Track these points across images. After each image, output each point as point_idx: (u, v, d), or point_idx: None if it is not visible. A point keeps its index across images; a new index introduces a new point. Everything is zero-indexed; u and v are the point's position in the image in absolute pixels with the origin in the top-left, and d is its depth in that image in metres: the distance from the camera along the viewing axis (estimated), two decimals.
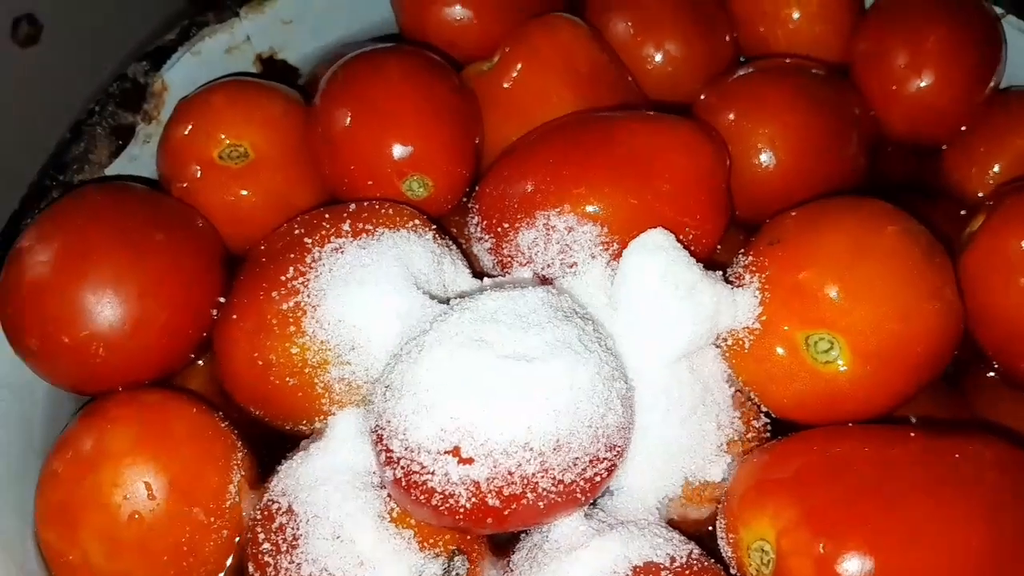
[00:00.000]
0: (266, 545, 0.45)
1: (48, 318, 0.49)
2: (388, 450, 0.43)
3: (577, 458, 0.42)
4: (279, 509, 0.46)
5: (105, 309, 0.49)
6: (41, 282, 0.49)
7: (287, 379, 0.49)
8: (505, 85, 0.60)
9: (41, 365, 0.51)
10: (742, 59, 0.68)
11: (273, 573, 0.44)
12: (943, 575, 0.41)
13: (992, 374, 0.55)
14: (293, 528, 0.45)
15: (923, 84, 0.61)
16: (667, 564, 0.43)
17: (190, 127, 0.57)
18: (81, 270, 0.49)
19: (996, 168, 0.62)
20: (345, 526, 0.45)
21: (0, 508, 0.51)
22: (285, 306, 0.49)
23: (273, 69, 0.68)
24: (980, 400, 0.55)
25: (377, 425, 0.44)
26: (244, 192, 0.57)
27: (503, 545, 0.48)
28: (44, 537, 0.48)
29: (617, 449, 0.44)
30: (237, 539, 0.49)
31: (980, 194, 0.62)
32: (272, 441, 0.52)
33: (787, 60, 0.64)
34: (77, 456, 0.48)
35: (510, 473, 0.41)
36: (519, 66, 0.60)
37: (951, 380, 0.53)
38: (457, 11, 0.65)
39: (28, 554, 0.50)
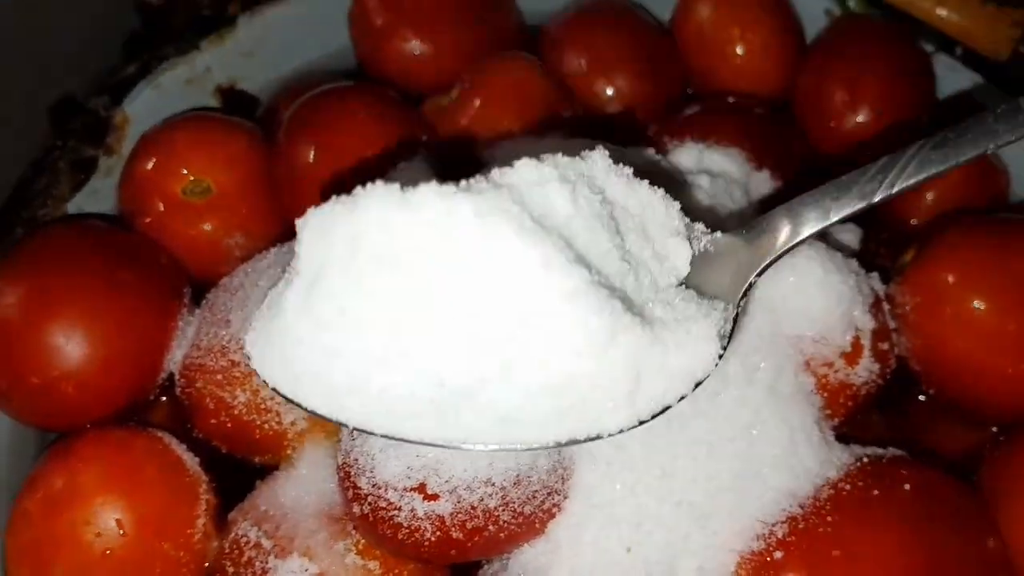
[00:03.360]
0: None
1: (17, 360, 0.50)
2: (355, 487, 0.45)
3: (536, 491, 0.45)
4: (247, 543, 0.48)
5: (75, 349, 0.50)
6: (9, 324, 0.50)
7: (249, 417, 0.51)
8: (463, 121, 0.62)
9: (9, 405, 0.52)
10: (689, 92, 0.71)
11: None
12: None
13: (922, 398, 0.58)
14: (262, 562, 0.47)
15: (860, 120, 0.65)
16: None
17: (153, 163, 0.58)
18: (50, 311, 0.50)
19: (929, 197, 0.65)
20: (312, 558, 0.47)
21: None
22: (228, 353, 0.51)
23: (233, 99, 0.69)
24: (914, 423, 0.58)
25: (344, 463, 0.46)
26: (207, 226, 0.58)
27: (463, 573, 0.50)
28: (16, 575, 0.49)
29: (569, 479, 0.46)
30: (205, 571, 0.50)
31: (914, 222, 0.65)
32: (239, 467, 0.53)
33: (730, 99, 0.67)
34: (48, 495, 0.48)
35: (473, 508, 0.43)
36: (477, 102, 0.62)
37: (886, 404, 0.56)
38: (414, 45, 0.66)
39: None
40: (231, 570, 0.48)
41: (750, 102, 0.66)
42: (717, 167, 0.57)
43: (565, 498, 0.46)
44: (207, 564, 0.50)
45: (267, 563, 0.47)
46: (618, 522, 0.45)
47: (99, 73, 0.67)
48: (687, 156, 0.58)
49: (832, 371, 0.49)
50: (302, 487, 0.49)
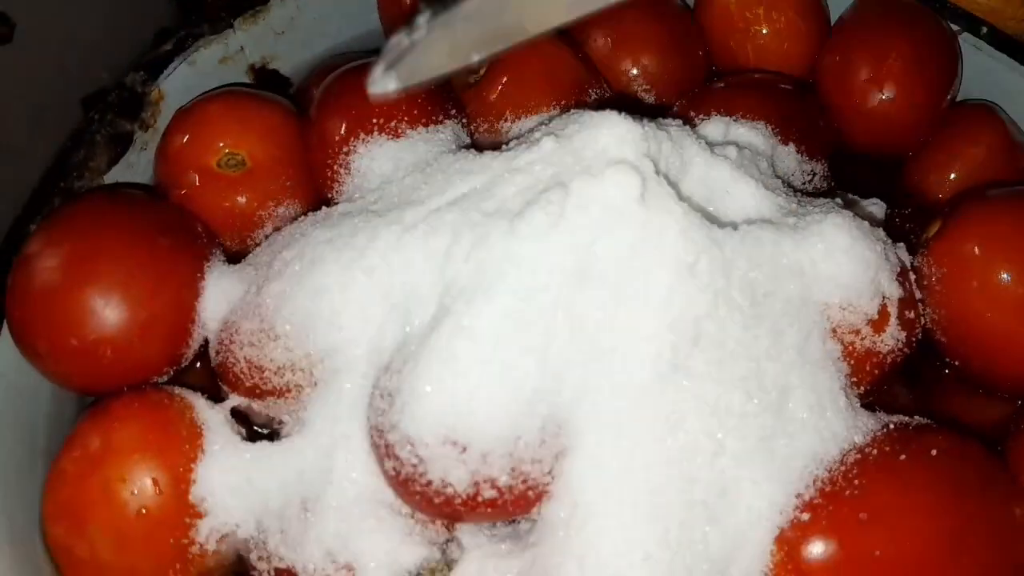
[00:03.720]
0: (277, 536, 0.48)
1: (57, 322, 0.51)
2: (386, 444, 0.46)
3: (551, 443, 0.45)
4: (286, 503, 0.48)
5: (113, 312, 0.51)
6: (50, 287, 0.51)
7: (281, 380, 0.52)
8: (491, 97, 0.63)
9: (49, 368, 0.53)
10: (714, 70, 0.72)
11: (285, 562, 0.47)
12: (908, 560, 0.44)
13: (948, 371, 0.58)
14: (303, 523, 0.47)
15: (884, 98, 0.65)
16: None
17: (188, 136, 0.60)
18: (90, 274, 0.51)
19: (953, 176, 0.66)
20: (345, 518, 0.47)
21: (9, 507, 0.52)
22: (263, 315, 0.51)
23: (265, 79, 0.70)
24: (938, 397, 0.59)
25: (374, 420, 0.47)
26: (241, 199, 0.60)
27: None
28: (52, 533, 0.50)
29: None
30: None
31: (938, 196, 0.66)
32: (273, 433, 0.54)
33: (756, 75, 0.68)
34: (85, 454, 0.50)
35: (504, 462, 0.44)
36: (504, 79, 0.63)
37: (911, 377, 0.57)
38: None
39: (37, 551, 0.52)
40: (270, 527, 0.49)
41: (775, 78, 0.66)
42: (744, 139, 0.58)
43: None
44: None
45: (306, 523, 0.48)
46: (641, 493, 0.45)
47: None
48: (714, 129, 0.58)
49: (859, 338, 0.50)
50: (328, 450, 0.50)
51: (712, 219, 0.49)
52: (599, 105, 0.61)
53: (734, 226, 0.49)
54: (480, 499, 0.45)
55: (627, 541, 0.44)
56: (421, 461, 0.44)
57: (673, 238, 0.45)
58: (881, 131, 0.66)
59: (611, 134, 0.48)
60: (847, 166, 0.66)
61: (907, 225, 0.63)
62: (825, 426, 0.46)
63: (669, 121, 0.54)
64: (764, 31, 0.69)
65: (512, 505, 0.45)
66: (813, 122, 0.63)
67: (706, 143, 0.53)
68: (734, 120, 0.59)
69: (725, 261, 0.46)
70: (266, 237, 0.59)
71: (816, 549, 0.45)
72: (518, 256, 0.44)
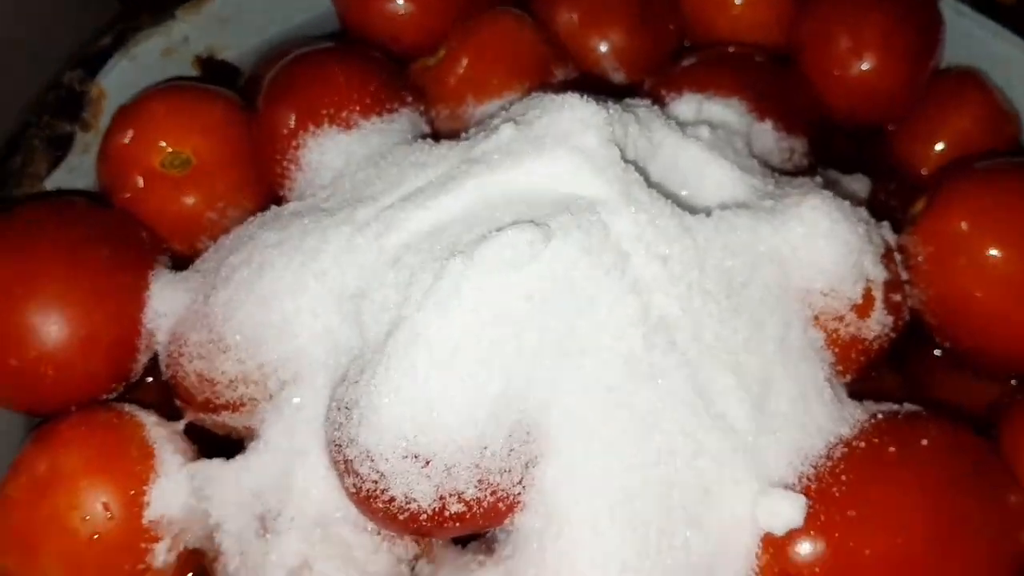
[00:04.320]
0: (238, 558, 0.45)
1: None
2: (346, 459, 0.43)
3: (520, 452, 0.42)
4: (246, 524, 0.46)
5: (52, 329, 0.48)
6: None
7: (234, 392, 0.49)
8: (451, 81, 0.60)
9: None
10: (686, 45, 0.68)
11: None
12: (900, 557, 0.42)
13: (938, 353, 0.56)
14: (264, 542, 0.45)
15: (865, 67, 0.62)
16: None
17: (130, 135, 0.56)
18: (26, 290, 0.48)
19: (939, 147, 0.63)
20: (306, 537, 0.45)
21: None
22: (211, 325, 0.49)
23: (213, 70, 0.66)
24: (926, 380, 0.56)
25: (332, 435, 0.44)
26: (188, 200, 0.57)
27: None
28: (2, 564, 0.47)
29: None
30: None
31: (924, 172, 0.63)
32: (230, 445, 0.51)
33: (730, 48, 0.65)
34: (32, 480, 0.47)
35: (470, 474, 0.41)
36: (465, 61, 0.60)
37: (898, 360, 0.54)
38: (400, 5, 0.64)
39: None
40: (218, 559, 0.46)
41: (749, 51, 0.63)
42: (717, 118, 0.55)
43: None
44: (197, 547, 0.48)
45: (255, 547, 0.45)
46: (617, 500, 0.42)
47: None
48: (685, 108, 0.55)
49: (843, 325, 0.47)
50: (286, 466, 0.47)
51: (684, 206, 0.46)
52: (563, 87, 0.58)
53: (707, 212, 0.46)
54: (447, 514, 0.42)
55: (604, 551, 0.41)
56: (382, 477, 0.42)
57: (640, 229, 0.43)
58: (862, 102, 0.63)
59: (573, 118, 0.45)
60: (828, 141, 0.64)
61: (891, 201, 0.61)
62: (810, 420, 0.44)
63: (637, 102, 0.51)
64: (737, 1, 0.66)
65: (482, 518, 0.43)
66: (791, 97, 0.61)
67: (677, 124, 0.50)
68: (707, 98, 0.57)
69: (698, 250, 0.44)
70: (215, 240, 0.56)
71: (803, 549, 0.43)
72: (476, 272, 0.42)
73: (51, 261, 0.49)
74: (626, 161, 0.45)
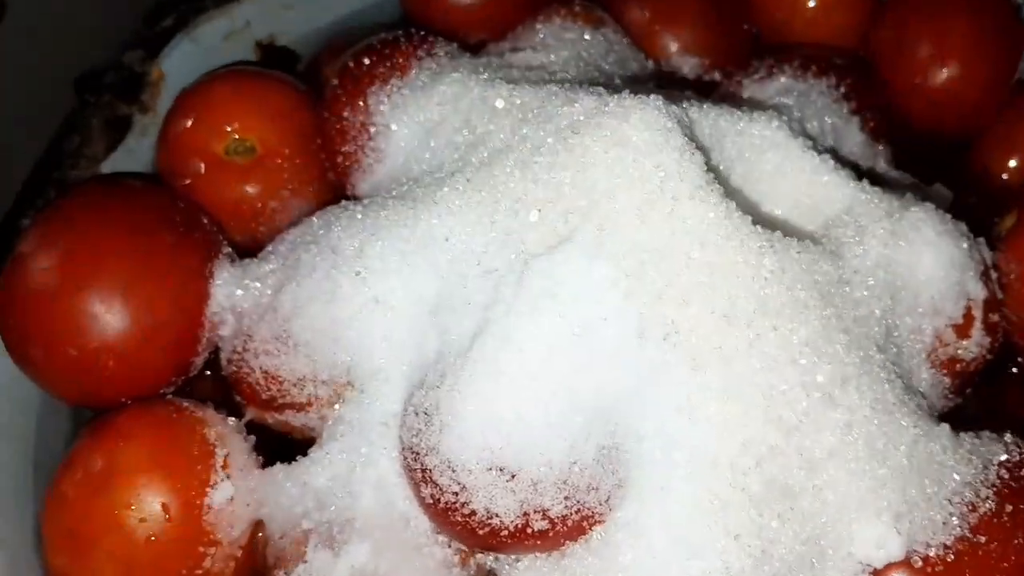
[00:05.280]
0: (301, 567, 0.43)
1: (54, 329, 0.46)
2: (424, 468, 0.41)
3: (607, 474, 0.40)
4: (310, 531, 0.44)
5: (115, 318, 0.46)
6: (46, 290, 0.46)
7: (302, 391, 0.47)
8: None
9: (45, 378, 0.48)
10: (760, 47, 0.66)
11: None
12: None
13: (1015, 370, 0.54)
14: (330, 551, 0.43)
15: (947, 75, 0.60)
16: None
17: (193, 120, 0.54)
18: (89, 277, 0.46)
19: (1019, 158, 0.61)
20: (376, 548, 0.43)
21: (5, 533, 0.48)
22: (280, 321, 0.47)
23: (272, 56, 0.65)
24: (1000, 396, 0.54)
25: (409, 441, 0.42)
26: (251, 189, 0.55)
27: None
28: (54, 563, 0.45)
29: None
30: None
31: (1006, 183, 0.61)
32: (290, 446, 0.49)
33: (808, 48, 0.63)
34: (87, 476, 0.45)
35: (558, 490, 0.39)
36: None
37: (988, 378, 0.52)
38: None
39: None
40: (278, 569, 0.44)
41: (832, 50, 0.61)
42: (797, 115, 0.53)
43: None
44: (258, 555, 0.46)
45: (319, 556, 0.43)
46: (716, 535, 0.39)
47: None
48: (765, 105, 0.53)
49: (941, 345, 0.45)
50: (354, 471, 0.45)
51: (766, 214, 0.44)
52: (636, 81, 0.55)
53: (790, 226, 0.44)
54: (529, 531, 0.40)
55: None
56: (463, 489, 0.40)
57: (736, 240, 0.40)
58: (943, 112, 0.61)
59: (645, 122, 0.42)
60: (905, 150, 0.62)
61: (972, 215, 0.59)
62: (927, 456, 0.41)
63: (709, 105, 0.49)
64: (811, 3, 0.64)
65: (564, 536, 0.41)
66: (877, 98, 0.58)
67: (761, 126, 0.48)
68: (789, 95, 0.54)
69: (793, 260, 0.41)
70: (277, 231, 0.54)
71: None
72: (567, 272, 0.39)
73: (115, 246, 0.47)
74: (706, 165, 0.43)
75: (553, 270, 0.39)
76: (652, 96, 0.41)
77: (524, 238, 0.41)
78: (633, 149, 0.40)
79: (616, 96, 0.42)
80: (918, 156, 0.62)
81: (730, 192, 0.41)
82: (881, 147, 0.56)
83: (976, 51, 0.60)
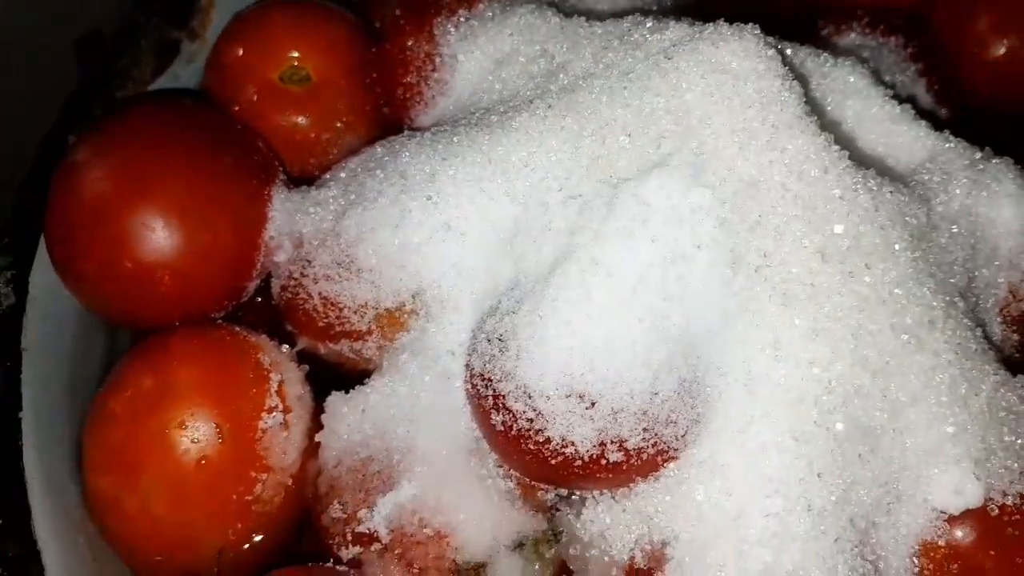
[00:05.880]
0: (359, 495, 0.42)
1: (110, 241, 0.45)
2: (496, 394, 0.40)
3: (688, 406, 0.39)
4: (369, 458, 0.43)
5: (173, 234, 0.45)
6: (102, 201, 0.45)
7: (362, 320, 0.46)
8: None
9: (94, 293, 0.47)
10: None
11: (367, 526, 0.41)
12: None
13: None
14: (388, 479, 0.42)
15: (1007, 47, 0.60)
16: None
17: (249, 45, 0.53)
18: (148, 189, 0.45)
19: None
20: (437, 478, 0.42)
21: (43, 450, 0.46)
22: (343, 246, 0.45)
23: None
24: None
25: (480, 366, 0.41)
26: (304, 119, 0.53)
27: None
28: (97, 483, 0.44)
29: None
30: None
31: None
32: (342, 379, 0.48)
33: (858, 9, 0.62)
34: (137, 395, 0.43)
35: (637, 420, 0.38)
36: None
37: None
38: None
39: (74, 506, 0.45)
40: (331, 498, 0.43)
41: (893, 13, 0.60)
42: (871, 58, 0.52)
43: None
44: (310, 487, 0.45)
45: (393, 473, 0.42)
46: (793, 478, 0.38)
47: None
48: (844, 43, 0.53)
49: (1015, 300, 0.45)
50: (417, 400, 0.44)
51: (855, 151, 0.44)
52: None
53: (883, 166, 0.43)
54: (604, 462, 0.39)
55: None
56: (539, 415, 0.39)
57: (834, 174, 0.40)
58: (999, 84, 0.60)
59: (744, 49, 0.41)
60: (962, 118, 0.61)
61: None
62: (1007, 405, 0.41)
63: (797, 45, 0.48)
64: None
65: (637, 471, 0.40)
66: (941, 63, 0.58)
67: (846, 71, 0.47)
68: (861, 51, 0.54)
69: (886, 200, 0.41)
70: (329, 165, 0.52)
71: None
72: (660, 197, 0.38)
73: (174, 161, 0.46)
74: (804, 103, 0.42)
75: (646, 195, 0.38)
76: (750, 25, 0.40)
77: (613, 163, 0.40)
78: (732, 75, 0.39)
79: (711, 24, 0.41)
80: (974, 128, 0.62)
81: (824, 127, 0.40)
82: (946, 111, 0.56)
83: None
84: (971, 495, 0.39)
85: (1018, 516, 0.39)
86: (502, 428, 0.40)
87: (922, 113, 0.52)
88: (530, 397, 0.39)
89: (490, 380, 0.40)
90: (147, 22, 0.55)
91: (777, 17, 0.58)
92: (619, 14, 0.48)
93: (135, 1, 0.55)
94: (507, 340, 0.40)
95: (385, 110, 0.54)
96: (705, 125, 0.39)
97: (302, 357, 0.48)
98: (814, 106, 0.44)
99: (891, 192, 0.40)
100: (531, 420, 0.39)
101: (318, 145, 0.53)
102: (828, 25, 0.58)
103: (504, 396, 0.39)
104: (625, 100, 0.40)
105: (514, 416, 0.39)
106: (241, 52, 0.53)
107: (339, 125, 0.54)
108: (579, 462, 0.39)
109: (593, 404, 0.38)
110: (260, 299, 0.50)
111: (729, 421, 0.39)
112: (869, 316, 0.38)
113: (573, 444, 0.39)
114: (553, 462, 0.39)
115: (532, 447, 0.39)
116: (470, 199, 0.43)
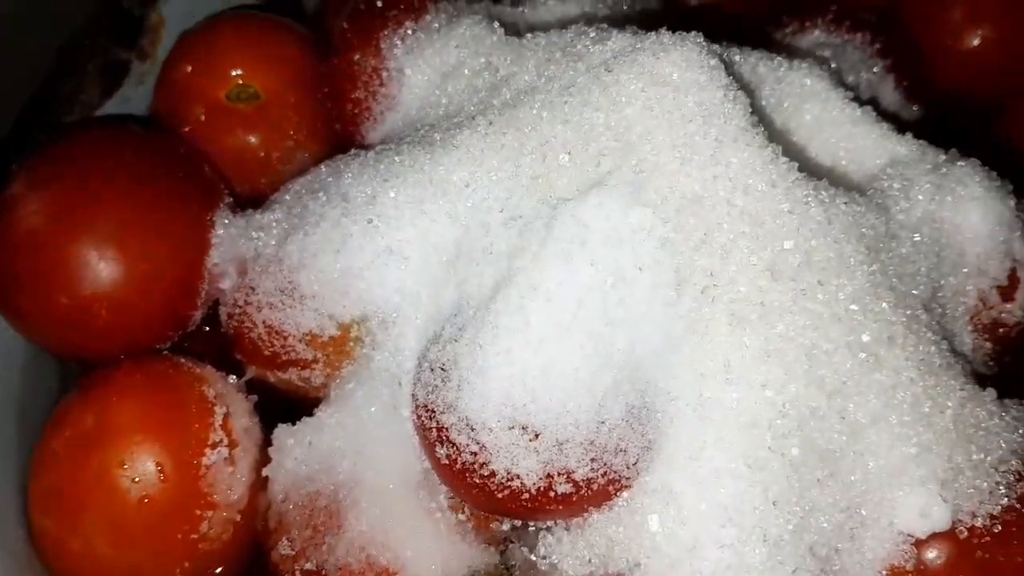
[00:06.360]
0: (306, 532, 0.41)
1: (44, 276, 0.44)
2: (439, 427, 0.38)
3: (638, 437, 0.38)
4: (316, 493, 0.41)
5: (109, 266, 0.44)
6: (36, 235, 0.44)
7: (308, 348, 0.44)
8: None
9: (33, 328, 0.46)
10: None
11: (314, 563, 0.40)
12: None
13: None
14: (335, 515, 0.40)
15: (980, 38, 0.58)
16: None
17: (195, 64, 0.52)
18: (82, 221, 0.44)
19: None
20: (385, 513, 0.40)
21: None
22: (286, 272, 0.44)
23: (277, 2, 0.61)
24: None
25: (424, 398, 0.39)
26: (253, 137, 0.52)
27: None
28: (41, 525, 0.43)
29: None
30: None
31: None
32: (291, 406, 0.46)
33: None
34: (78, 433, 0.42)
35: (584, 451, 0.37)
36: None
37: None
38: None
39: (23, 546, 0.44)
40: (297, 520, 0.42)
41: (860, 8, 0.58)
42: (833, 58, 0.51)
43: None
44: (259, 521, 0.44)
45: (341, 516, 0.41)
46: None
47: None
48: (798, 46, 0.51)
49: (985, 307, 0.43)
50: (363, 431, 0.43)
51: (806, 166, 0.42)
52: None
53: (832, 179, 0.41)
54: (552, 494, 0.37)
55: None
56: (483, 449, 0.37)
57: (782, 188, 0.38)
58: (973, 76, 0.59)
59: (685, 59, 0.39)
60: (933, 114, 0.59)
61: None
62: (973, 421, 0.39)
63: (748, 50, 0.46)
64: None
65: (588, 501, 0.38)
66: (910, 58, 0.56)
67: (802, 74, 0.45)
68: (824, 49, 0.52)
69: (840, 212, 0.39)
70: (280, 183, 0.51)
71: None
72: (600, 218, 0.37)
73: (110, 191, 0.45)
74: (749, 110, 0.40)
75: (585, 215, 0.36)
76: (692, 33, 0.39)
77: (552, 182, 0.38)
78: (673, 88, 0.37)
79: (653, 33, 0.39)
80: (946, 123, 0.60)
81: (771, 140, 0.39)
82: (915, 108, 0.54)
83: (1010, 13, 0.58)
84: (938, 518, 0.37)
85: (989, 538, 0.38)
86: (447, 461, 0.38)
87: (886, 115, 0.51)
88: (472, 429, 0.37)
89: (433, 412, 0.39)
90: (93, 43, 0.54)
91: (740, 17, 0.57)
92: (572, 22, 0.47)
93: (81, 21, 0.53)
94: (449, 370, 0.38)
95: (337, 127, 0.53)
96: (645, 141, 0.37)
97: (253, 386, 0.47)
98: (767, 114, 0.43)
99: (845, 203, 0.38)
100: (475, 453, 0.37)
101: (269, 164, 0.52)
102: (792, 22, 0.56)
103: (447, 428, 0.38)
104: (565, 116, 0.39)
105: (458, 449, 0.38)
106: (189, 71, 0.52)
107: (290, 143, 0.53)
108: (527, 495, 0.37)
109: (537, 435, 0.37)
110: (208, 328, 0.49)
111: (681, 447, 0.37)
112: (823, 335, 0.37)
113: (519, 477, 0.37)
114: (500, 495, 0.38)
115: (478, 480, 0.38)
116: (411, 222, 0.42)
